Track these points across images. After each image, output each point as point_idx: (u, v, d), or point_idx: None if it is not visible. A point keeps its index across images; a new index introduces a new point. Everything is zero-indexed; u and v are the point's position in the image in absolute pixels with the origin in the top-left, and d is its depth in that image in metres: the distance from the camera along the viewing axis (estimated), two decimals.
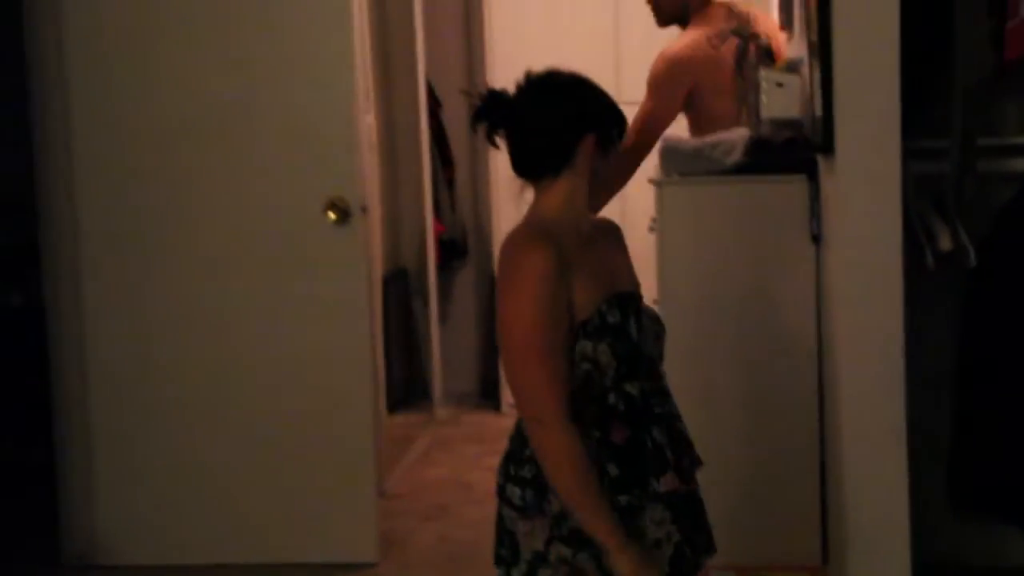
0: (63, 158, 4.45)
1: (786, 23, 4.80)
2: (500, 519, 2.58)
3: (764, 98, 4.15)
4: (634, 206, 5.44)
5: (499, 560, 2.59)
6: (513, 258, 2.52)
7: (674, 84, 4.49)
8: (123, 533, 4.49)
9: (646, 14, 5.76)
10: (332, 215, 4.33)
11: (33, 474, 4.77)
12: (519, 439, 2.55)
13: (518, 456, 2.54)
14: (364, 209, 4.46)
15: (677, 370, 3.93)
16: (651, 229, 4.22)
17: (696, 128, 4.55)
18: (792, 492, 4.10)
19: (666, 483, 2.53)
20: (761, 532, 4.07)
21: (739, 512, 3.98)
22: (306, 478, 4.40)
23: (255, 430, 4.43)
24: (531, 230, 2.54)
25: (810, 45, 3.76)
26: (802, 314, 4.04)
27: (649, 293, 4.02)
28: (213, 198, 4.42)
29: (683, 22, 4.61)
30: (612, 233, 2.77)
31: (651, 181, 4.20)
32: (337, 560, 4.39)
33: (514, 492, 2.52)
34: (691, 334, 4.07)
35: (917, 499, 3.43)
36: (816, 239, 3.98)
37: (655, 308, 2.79)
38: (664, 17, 4.68)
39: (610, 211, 5.47)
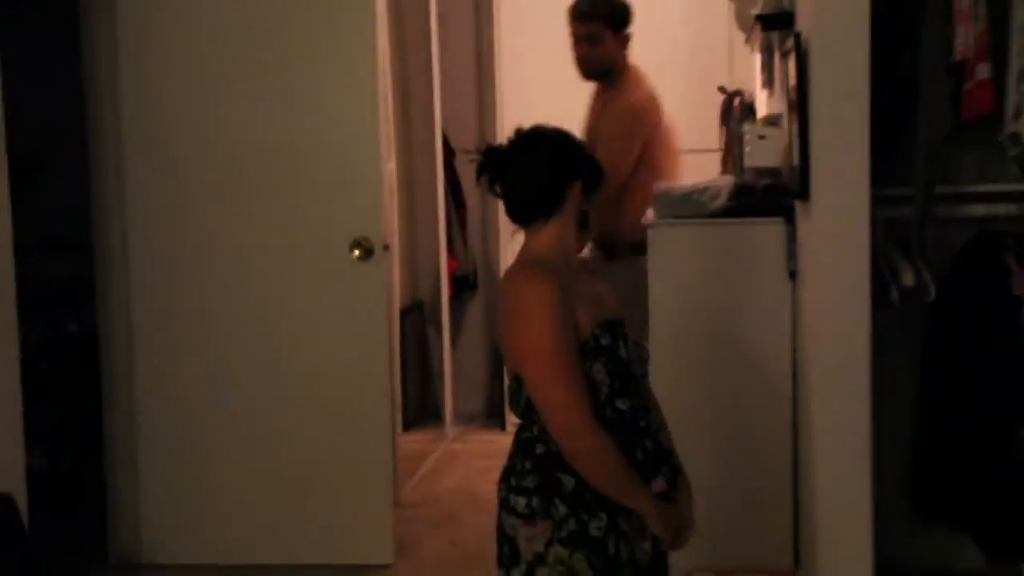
0: (116, 202, 4.44)
1: (768, 82, 4.82)
2: (500, 527, 2.59)
3: (747, 148, 4.18)
4: None
5: (500, 563, 2.59)
6: (521, 292, 2.53)
7: (634, 137, 4.52)
8: (164, 536, 4.48)
9: (645, 62, 5.78)
10: (357, 252, 4.31)
11: (85, 483, 4.78)
12: (518, 454, 2.56)
13: (519, 469, 2.54)
14: (385, 247, 4.47)
15: (666, 389, 3.94)
16: None
17: (640, 179, 4.47)
18: (767, 502, 4.11)
19: (656, 486, 2.55)
20: (739, 538, 4.07)
21: (719, 520, 3.93)
22: (330, 488, 4.38)
23: (285, 445, 4.41)
24: (530, 266, 2.55)
25: (789, 102, 3.78)
26: (779, 342, 4.04)
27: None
28: (251, 236, 4.40)
29: (608, 77, 4.60)
30: (587, 267, 2.80)
31: (644, 223, 4.19)
32: (357, 562, 4.37)
33: (519, 501, 2.52)
34: (679, 358, 4.09)
35: (880, 509, 3.44)
36: (793, 275, 3.98)
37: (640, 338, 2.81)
38: (593, 71, 4.62)
39: None
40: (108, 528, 4.51)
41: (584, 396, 2.46)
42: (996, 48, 3.52)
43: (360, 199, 4.38)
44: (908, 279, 3.57)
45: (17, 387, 3.74)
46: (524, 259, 2.60)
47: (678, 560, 3.84)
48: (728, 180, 4.25)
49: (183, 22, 4.40)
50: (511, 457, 2.59)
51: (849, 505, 3.46)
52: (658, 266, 4.11)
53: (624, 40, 4.61)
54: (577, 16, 4.53)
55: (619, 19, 4.56)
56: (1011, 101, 3.50)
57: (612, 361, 2.55)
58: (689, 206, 4.10)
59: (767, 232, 4.03)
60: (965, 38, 3.48)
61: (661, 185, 4.28)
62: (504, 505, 2.57)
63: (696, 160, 5.57)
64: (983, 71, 3.46)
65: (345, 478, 4.36)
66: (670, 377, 4.03)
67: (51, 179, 4.87)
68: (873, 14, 3.34)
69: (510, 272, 2.61)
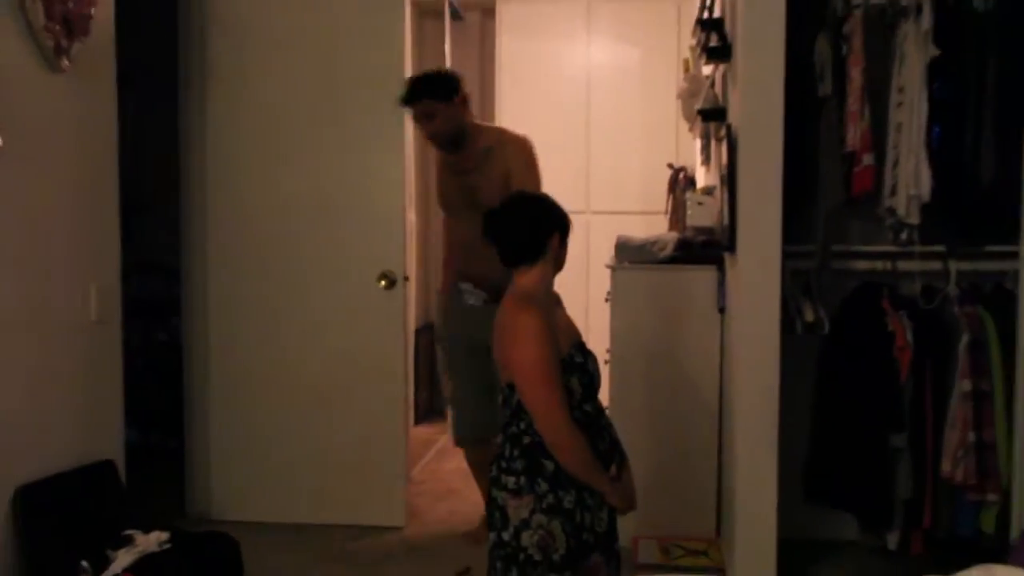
0: (199, 236, 4.44)
1: (705, 160, 4.78)
2: (492, 499, 2.64)
3: (689, 211, 4.17)
4: (596, 283, 5.26)
5: (492, 526, 2.64)
6: (516, 321, 2.56)
7: (537, 162, 3.98)
8: (228, 497, 4.46)
9: (610, 142, 5.89)
10: (383, 283, 4.28)
11: (169, 454, 4.69)
12: (508, 444, 2.62)
13: (508, 455, 2.60)
14: (406, 279, 4.40)
15: (621, 394, 4.13)
16: (607, 300, 4.24)
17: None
18: (696, 485, 4.14)
19: (611, 471, 2.65)
20: (673, 513, 4.11)
21: (658, 498, 3.99)
22: (357, 465, 4.36)
23: (324, 430, 4.38)
24: (522, 300, 2.59)
25: (721, 177, 3.81)
26: (710, 360, 4.10)
27: (604, 343, 4.12)
28: (302, 266, 4.36)
29: (462, 140, 3.92)
30: (558, 300, 2.81)
31: (608, 266, 4.23)
32: (377, 524, 4.35)
33: (508, 480, 2.59)
34: (634, 371, 4.11)
35: (782, 492, 3.49)
36: (721, 310, 4.04)
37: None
38: (445, 142, 3.92)
39: (578, 287, 5.51)
40: (185, 490, 4.51)
41: (564, 401, 2.53)
42: (877, 142, 3.59)
43: (387, 240, 4.32)
44: (809, 316, 3.64)
45: (119, 379, 3.76)
46: (516, 294, 2.63)
47: (626, 530, 3.89)
48: (673, 235, 4.29)
49: (254, 96, 4.37)
50: (502, 446, 2.64)
51: (759, 488, 3.49)
52: (618, 300, 4.14)
53: (461, 103, 3.87)
54: (404, 103, 3.88)
55: (444, 90, 3.82)
56: (888, 183, 3.61)
57: (583, 374, 2.62)
58: (643, 254, 4.16)
59: (703, 276, 4.09)
60: (854, 134, 3.57)
61: (622, 236, 4.28)
62: (495, 482, 2.63)
63: (648, 220, 5.61)
64: (868, 159, 3.56)
65: (369, 458, 4.33)
66: (625, 385, 4.11)
67: (151, 218, 4.88)
68: (785, 113, 3.39)
69: (505, 305, 2.63)
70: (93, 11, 3.45)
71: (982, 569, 1.98)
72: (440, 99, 3.83)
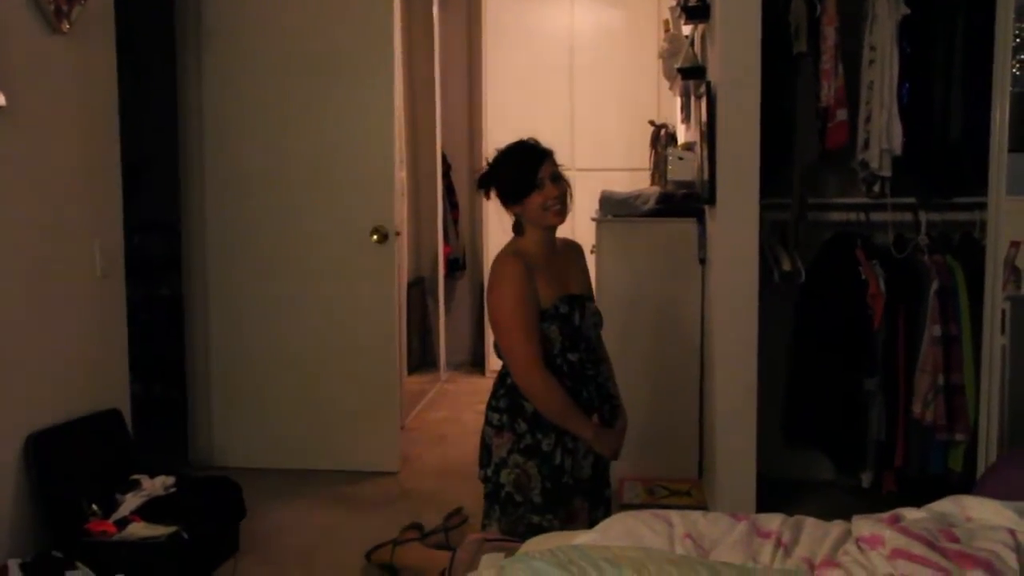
0: (198, 195, 4.44)
1: (686, 118, 4.79)
2: (482, 436, 2.68)
3: (670, 167, 4.19)
4: (582, 236, 5.28)
5: (481, 463, 2.68)
6: (496, 271, 2.62)
7: None
8: (229, 444, 4.47)
9: (594, 102, 5.82)
10: (375, 237, 4.30)
11: (172, 404, 4.70)
12: (498, 384, 2.67)
13: (496, 393, 2.65)
14: (397, 234, 4.42)
15: (610, 343, 4.06)
16: (592, 251, 4.18)
17: None
18: (680, 429, 4.15)
19: (594, 420, 2.65)
20: (658, 456, 4.12)
21: (645, 442, 3.95)
22: (354, 413, 4.37)
23: (322, 379, 4.39)
24: (506, 254, 2.64)
25: (701, 133, 3.82)
26: (692, 308, 4.10)
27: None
28: (298, 222, 4.37)
29: None
30: (575, 251, 2.81)
31: (593, 219, 4.24)
32: (373, 469, 4.37)
33: (493, 416, 2.63)
34: (619, 322, 3.98)
35: (762, 432, 3.54)
36: (702, 261, 4.04)
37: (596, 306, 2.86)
38: None
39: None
40: (188, 438, 4.53)
41: (536, 347, 2.54)
42: (850, 98, 3.63)
43: (379, 196, 4.34)
44: (786, 265, 3.67)
45: (124, 332, 3.76)
46: (505, 249, 2.68)
47: (616, 471, 3.98)
48: (655, 189, 4.30)
49: (250, 59, 4.35)
50: (494, 385, 2.68)
51: (739, 431, 3.54)
52: (602, 252, 4.15)
53: None
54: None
55: None
56: (861, 137, 3.65)
57: (566, 325, 2.61)
58: (626, 207, 4.18)
59: (684, 228, 4.09)
60: (828, 90, 3.61)
61: (606, 191, 4.30)
62: (486, 419, 2.66)
63: (632, 176, 5.59)
64: (841, 114, 3.60)
65: (366, 406, 4.35)
66: (610, 333, 3.94)
67: (151, 178, 4.71)
68: (762, 70, 3.42)
69: (496, 258, 2.68)
70: None
71: (952, 499, 1.99)
72: None
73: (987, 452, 3.38)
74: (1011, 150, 3.29)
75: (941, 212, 3.74)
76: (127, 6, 3.83)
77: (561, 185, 2.63)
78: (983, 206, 3.46)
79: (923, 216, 3.73)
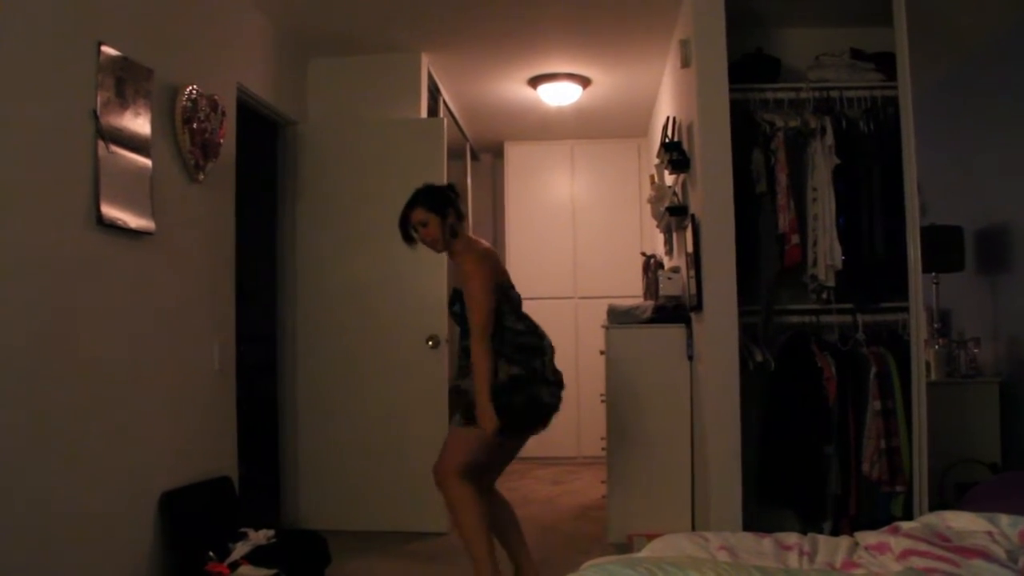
0: (290, 310, 4.47)
1: (669, 251, 4.81)
2: (461, 391, 3.08)
3: (662, 284, 4.25)
4: (591, 342, 5.31)
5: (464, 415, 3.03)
6: (466, 264, 3.03)
7: None
8: (314, 508, 4.45)
9: (595, 236, 6.05)
10: (430, 343, 4.37)
11: (267, 482, 4.63)
12: (462, 354, 3.07)
13: (466, 354, 3.04)
14: (446, 341, 4.41)
15: (618, 423, 4.02)
16: (601, 353, 4.24)
17: None
18: (674, 490, 4.08)
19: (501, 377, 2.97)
20: (656, 512, 4.02)
21: (645, 501, 3.98)
22: (410, 486, 4.33)
23: (384, 460, 4.39)
24: (468, 254, 3.05)
25: (686, 257, 3.87)
26: (683, 395, 4.08)
27: (595, 386, 4.17)
28: (371, 332, 4.41)
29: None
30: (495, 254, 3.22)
31: (603, 327, 4.27)
32: (426, 530, 4.34)
33: (466, 365, 3.02)
34: (625, 405, 4.06)
35: (744, 494, 3.53)
36: (690, 358, 4.06)
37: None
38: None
39: (569, 351, 5.37)
40: (279, 504, 4.52)
41: (490, 318, 2.93)
42: (801, 226, 3.67)
43: (432, 311, 4.38)
44: (759, 357, 3.66)
45: (234, 416, 3.80)
46: (461, 252, 3.09)
47: (623, 528, 3.95)
48: (651, 303, 4.33)
49: (333, 204, 4.45)
50: (458, 356, 3.11)
51: (726, 490, 3.50)
52: (610, 353, 4.18)
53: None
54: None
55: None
56: (810, 257, 3.70)
57: (510, 301, 3.03)
58: (629, 316, 4.24)
59: (675, 332, 4.10)
60: (784, 221, 3.67)
61: (612, 304, 4.31)
62: (462, 372, 3.08)
63: (623, 300, 5.69)
64: (795, 239, 3.67)
65: (418, 478, 4.03)
66: (618, 416, 4.10)
67: (254, 299, 4.62)
68: (735, 207, 3.50)
69: (461, 260, 3.06)
70: (222, 140, 3.66)
71: (934, 515, 2.00)
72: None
73: (920, 500, 3.40)
74: (924, 271, 3.46)
75: (873, 314, 3.74)
76: (245, 165, 3.99)
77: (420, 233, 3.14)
78: (905, 309, 3.55)
79: (859, 317, 3.73)
